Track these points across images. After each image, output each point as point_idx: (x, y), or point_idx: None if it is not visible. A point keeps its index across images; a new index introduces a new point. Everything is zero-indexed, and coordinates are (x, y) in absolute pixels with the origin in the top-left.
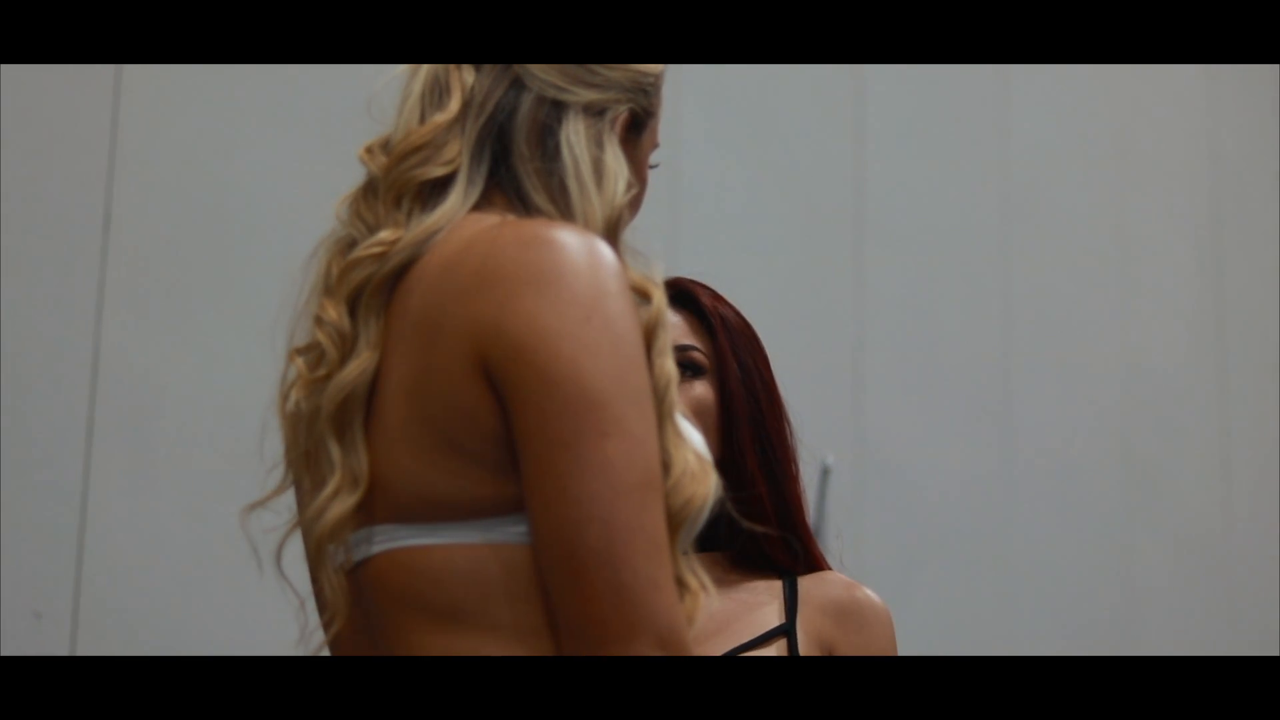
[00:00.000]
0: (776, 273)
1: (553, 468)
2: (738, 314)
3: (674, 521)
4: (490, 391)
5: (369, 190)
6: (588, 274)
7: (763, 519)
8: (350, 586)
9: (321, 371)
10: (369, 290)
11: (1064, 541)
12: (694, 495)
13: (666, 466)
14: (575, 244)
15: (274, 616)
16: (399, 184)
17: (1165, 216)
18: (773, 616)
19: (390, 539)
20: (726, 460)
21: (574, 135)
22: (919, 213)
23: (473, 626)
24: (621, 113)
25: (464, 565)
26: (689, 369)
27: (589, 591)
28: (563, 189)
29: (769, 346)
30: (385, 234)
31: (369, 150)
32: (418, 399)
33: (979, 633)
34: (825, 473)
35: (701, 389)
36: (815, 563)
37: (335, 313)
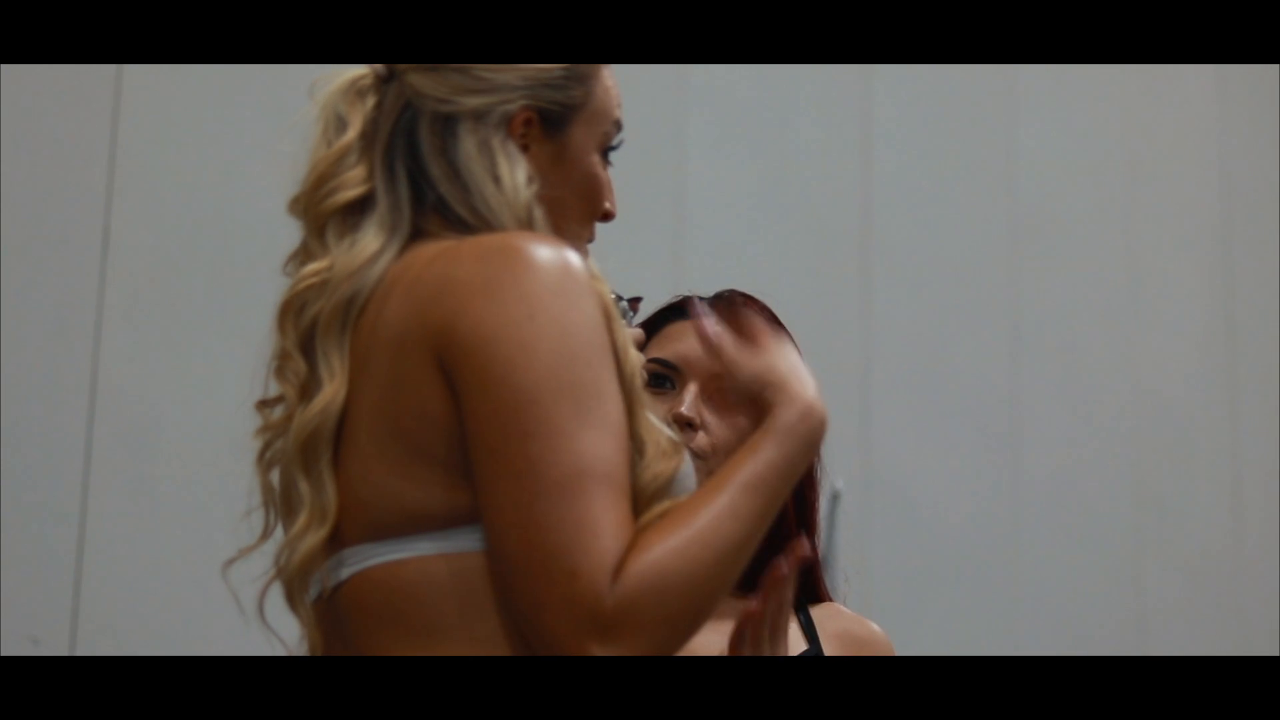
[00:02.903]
0: (783, 297)
1: (482, 474)
2: (785, 335)
3: (645, 496)
4: (452, 395)
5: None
6: (539, 276)
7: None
8: (327, 615)
9: (284, 415)
10: (321, 326)
11: (1072, 567)
12: (661, 471)
13: (640, 449)
14: (531, 249)
15: (276, 643)
16: (316, 215)
17: (1175, 241)
18: (798, 641)
19: (362, 559)
20: None
21: (465, 151)
22: (927, 237)
23: (450, 639)
24: (513, 112)
25: (437, 575)
26: (732, 395)
27: (517, 599)
28: (474, 205)
29: None
30: (314, 265)
31: (294, 201)
32: (388, 413)
33: None
34: (835, 497)
35: (743, 418)
36: (819, 591)
37: (289, 356)
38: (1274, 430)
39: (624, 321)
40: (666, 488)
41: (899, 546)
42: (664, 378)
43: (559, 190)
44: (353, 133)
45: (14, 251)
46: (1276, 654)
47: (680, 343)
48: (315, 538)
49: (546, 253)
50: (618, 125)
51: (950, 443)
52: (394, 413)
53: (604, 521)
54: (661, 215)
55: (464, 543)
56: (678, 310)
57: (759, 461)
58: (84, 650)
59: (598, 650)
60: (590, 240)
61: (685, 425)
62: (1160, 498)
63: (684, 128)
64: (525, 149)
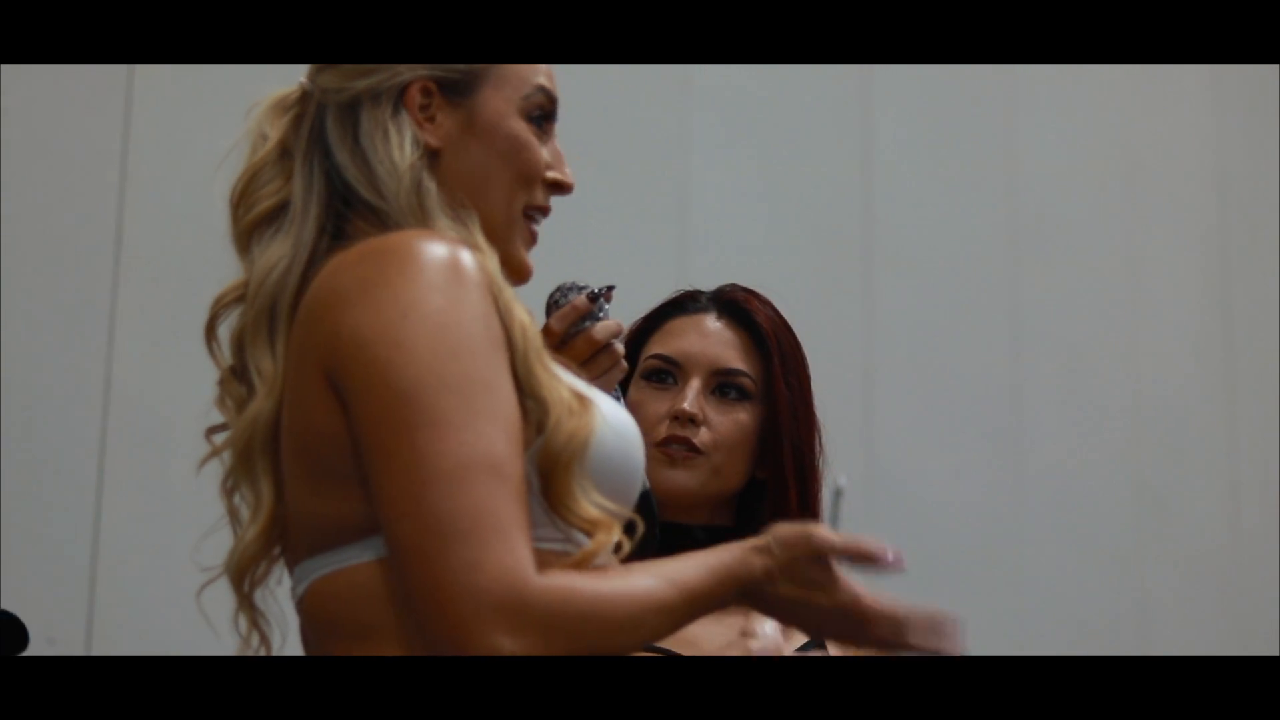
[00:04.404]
0: (786, 294)
1: (374, 471)
2: (788, 330)
3: (563, 459)
4: (342, 408)
5: None
6: (414, 275)
7: None
8: (302, 631)
9: (227, 440)
10: (247, 341)
11: (1074, 565)
12: (576, 430)
13: (545, 410)
14: (407, 248)
15: (289, 647)
16: (240, 235)
17: (1173, 241)
18: (798, 635)
19: (308, 574)
20: (769, 481)
21: (364, 132)
22: (929, 237)
23: (382, 643)
24: (406, 83)
25: (364, 584)
26: (734, 392)
27: (414, 587)
28: (374, 186)
29: None
30: (231, 282)
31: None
32: (293, 432)
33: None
34: (838, 494)
35: (744, 415)
36: None
37: (225, 381)
38: (1272, 428)
39: (602, 315)
40: (584, 449)
41: (900, 543)
42: (666, 373)
43: (480, 157)
44: (270, 144)
45: (27, 252)
46: (1274, 653)
47: (682, 338)
48: (250, 534)
49: (424, 250)
50: (543, 91)
51: (952, 440)
52: (296, 431)
53: (503, 516)
54: (665, 212)
55: (382, 548)
56: (679, 305)
57: (712, 574)
58: (99, 650)
59: (504, 642)
60: (540, 209)
61: (687, 421)
62: (1159, 496)
63: (688, 126)
64: (432, 119)
